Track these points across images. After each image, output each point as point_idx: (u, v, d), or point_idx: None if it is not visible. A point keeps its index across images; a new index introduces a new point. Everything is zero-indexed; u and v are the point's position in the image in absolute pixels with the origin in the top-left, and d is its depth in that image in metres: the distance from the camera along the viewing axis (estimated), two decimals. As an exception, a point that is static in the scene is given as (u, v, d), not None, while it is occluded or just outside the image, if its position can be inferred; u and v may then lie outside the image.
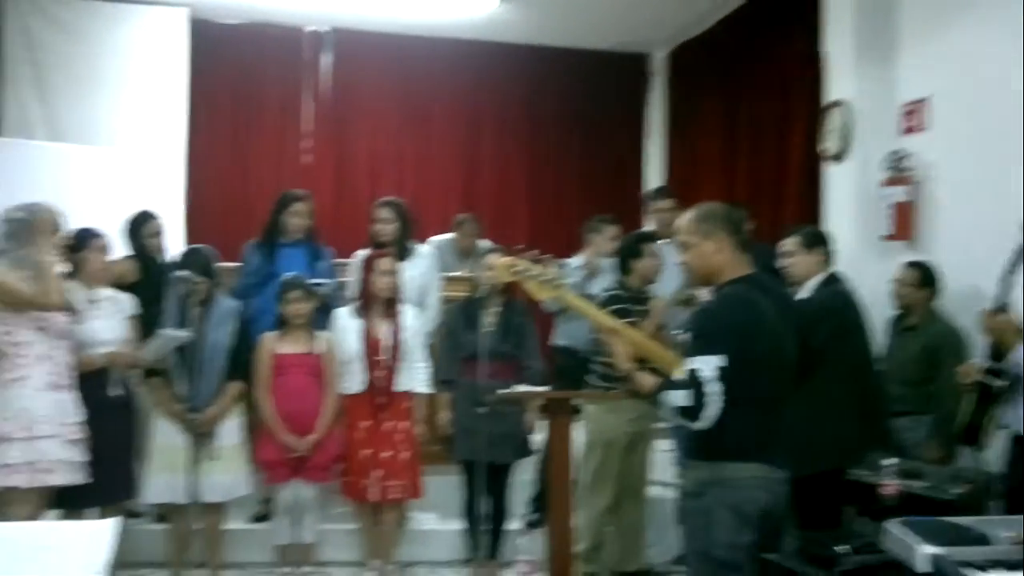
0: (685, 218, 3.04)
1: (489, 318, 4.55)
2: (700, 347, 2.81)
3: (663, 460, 4.95)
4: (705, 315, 2.96)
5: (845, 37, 5.45)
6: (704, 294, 3.56)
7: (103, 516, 3.85)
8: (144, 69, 7.38)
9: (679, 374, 2.87)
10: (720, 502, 2.84)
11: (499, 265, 3.43)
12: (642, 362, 3.16)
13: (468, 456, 4.55)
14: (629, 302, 4.46)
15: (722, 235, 2.96)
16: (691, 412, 2.76)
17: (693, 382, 2.76)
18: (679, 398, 2.79)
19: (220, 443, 4.31)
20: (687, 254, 3.02)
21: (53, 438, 3.65)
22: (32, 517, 3.61)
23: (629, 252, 4.60)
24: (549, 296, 3.29)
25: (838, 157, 5.49)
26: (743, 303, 2.88)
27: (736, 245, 2.98)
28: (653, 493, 4.82)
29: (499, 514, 4.68)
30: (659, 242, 5.32)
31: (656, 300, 4.60)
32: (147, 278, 4.74)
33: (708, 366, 2.74)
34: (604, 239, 5.27)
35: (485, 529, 4.58)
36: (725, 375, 2.74)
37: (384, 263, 4.54)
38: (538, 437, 4.65)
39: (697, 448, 2.93)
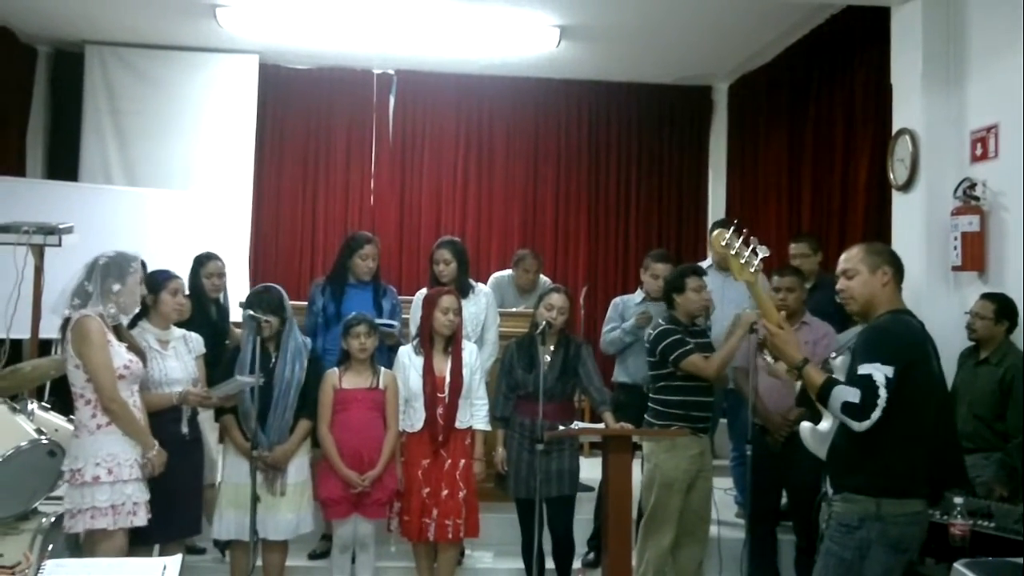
0: (853, 249, 3.21)
1: (547, 356, 4.55)
2: (872, 356, 2.94)
3: (722, 499, 4.88)
4: (878, 330, 3.07)
5: (911, 65, 5.37)
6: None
7: (163, 552, 3.95)
8: (216, 114, 7.67)
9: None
10: (880, 538, 2.93)
11: (715, 235, 3.44)
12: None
13: (524, 494, 4.53)
14: (683, 335, 4.45)
15: (888, 269, 3.12)
16: (858, 410, 2.89)
17: (865, 383, 2.90)
18: (848, 394, 2.92)
19: (288, 480, 4.36)
20: (851, 282, 3.15)
21: (137, 481, 3.75)
22: (122, 553, 3.70)
23: (672, 287, 4.57)
24: (744, 279, 3.32)
25: (905, 186, 5.39)
26: (914, 330, 3.06)
27: (897, 279, 3.13)
28: (712, 532, 4.73)
29: (562, 550, 4.63)
30: (720, 274, 5.29)
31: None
32: (204, 317, 4.87)
33: (879, 373, 2.89)
34: (650, 276, 5.23)
35: (547, 568, 4.53)
36: (892, 385, 2.88)
37: (447, 300, 4.57)
38: (593, 474, 4.63)
39: (854, 482, 3.01)
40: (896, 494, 2.95)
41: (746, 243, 3.26)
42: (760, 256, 3.30)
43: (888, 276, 3.11)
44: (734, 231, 3.29)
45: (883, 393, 2.87)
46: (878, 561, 2.93)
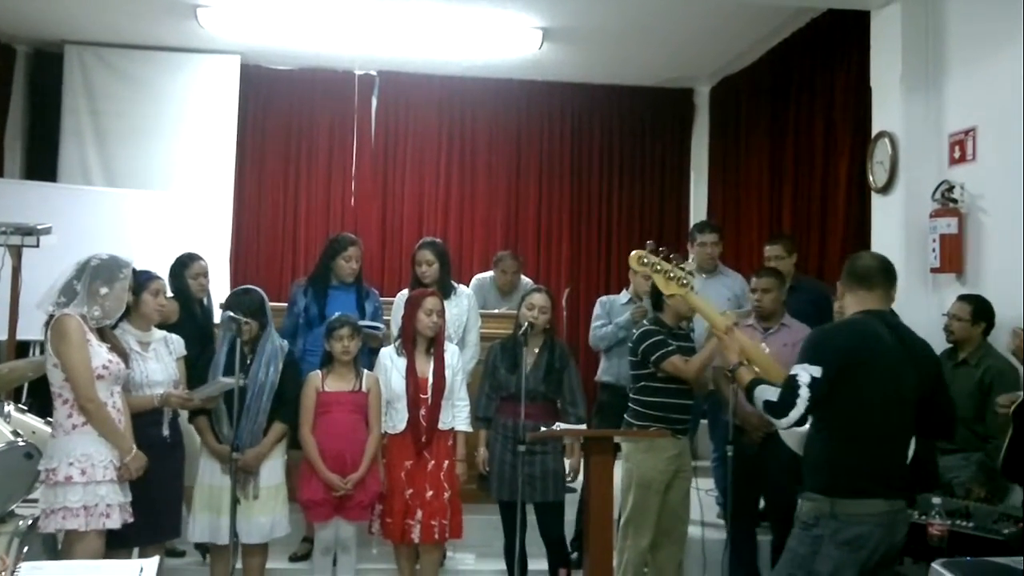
0: None
1: (530, 358, 4.55)
2: (803, 357, 3.06)
3: (704, 500, 4.89)
4: (815, 332, 3.26)
5: (891, 69, 5.41)
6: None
7: (142, 555, 3.91)
8: (196, 115, 7.64)
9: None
10: (832, 536, 2.98)
11: (632, 256, 3.51)
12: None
13: (507, 496, 4.52)
14: (666, 336, 4.45)
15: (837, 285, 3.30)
16: (777, 408, 3.02)
17: (788, 382, 3.02)
18: (769, 393, 3.07)
19: (261, 483, 4.33)
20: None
21: (111, 483, 3.71)
22: (97, 555, 3.66)
23: None
24: (674, 292, 3.35)
25: (884, 189, 5.43)
26: (857, 329, 3.10)
27: (854, 287, 3.20)
28: (692, 532, 4.75)
29: (557, 556, 4.62)
30: (700, 276, 5.29)
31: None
32: (190, 318, 4.85)
33: (805, 373, 2.98)
34: (639, 277, 5.24)
35: (530, 569, 4.52)
36: (818, 385, 2.97)
37: (431, 302, 4.55)
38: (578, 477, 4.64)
39: (815, 482, 3.09)
40: (850, 494, 2.99)
41: (666, 259, 3.29)
42: (687, 269, 3.35)
43: (839, 290, 3.29)
44: (650, 250, 3.34)
45: (804, 392, 2.96)
46: (829, 557, 2.98)
